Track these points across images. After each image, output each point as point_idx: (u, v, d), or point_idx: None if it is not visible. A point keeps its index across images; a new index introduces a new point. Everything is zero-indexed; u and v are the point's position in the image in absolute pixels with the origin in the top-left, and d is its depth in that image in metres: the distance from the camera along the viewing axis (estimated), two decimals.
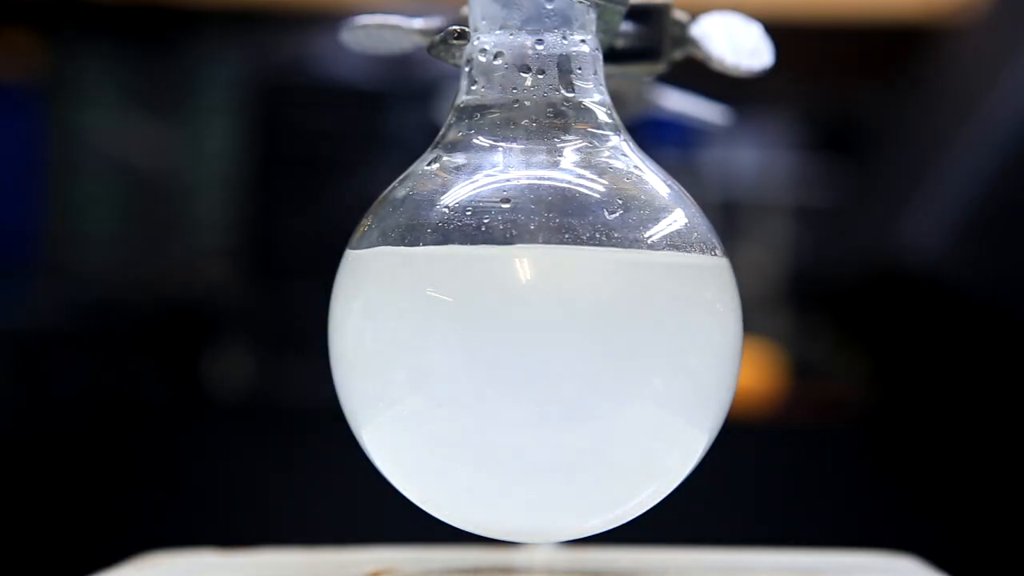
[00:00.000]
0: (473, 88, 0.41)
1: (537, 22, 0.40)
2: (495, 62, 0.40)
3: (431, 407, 0.38)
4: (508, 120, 0.40)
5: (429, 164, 0.41)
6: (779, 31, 0.48)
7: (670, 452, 0.40)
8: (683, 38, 0.46)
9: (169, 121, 1.25)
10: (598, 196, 0.39)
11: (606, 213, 0.39)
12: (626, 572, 0.47)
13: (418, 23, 0.47)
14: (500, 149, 0.40)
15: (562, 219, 0.38)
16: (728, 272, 0.41)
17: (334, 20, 0.67)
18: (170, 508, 1.10)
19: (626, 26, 0.45)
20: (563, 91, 0.40)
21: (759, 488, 1.12)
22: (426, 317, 0.38)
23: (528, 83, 0.40)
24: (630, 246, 0.39)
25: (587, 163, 0.40)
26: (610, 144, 0.41)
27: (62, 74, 1.26)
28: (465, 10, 0.42)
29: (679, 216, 0.40)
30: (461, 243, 0.38)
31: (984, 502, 1.11)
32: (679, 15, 0.46)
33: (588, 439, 0.38)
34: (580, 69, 0.41)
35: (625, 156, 0.41)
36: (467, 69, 0.41)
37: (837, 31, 1.32)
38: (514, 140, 0.40)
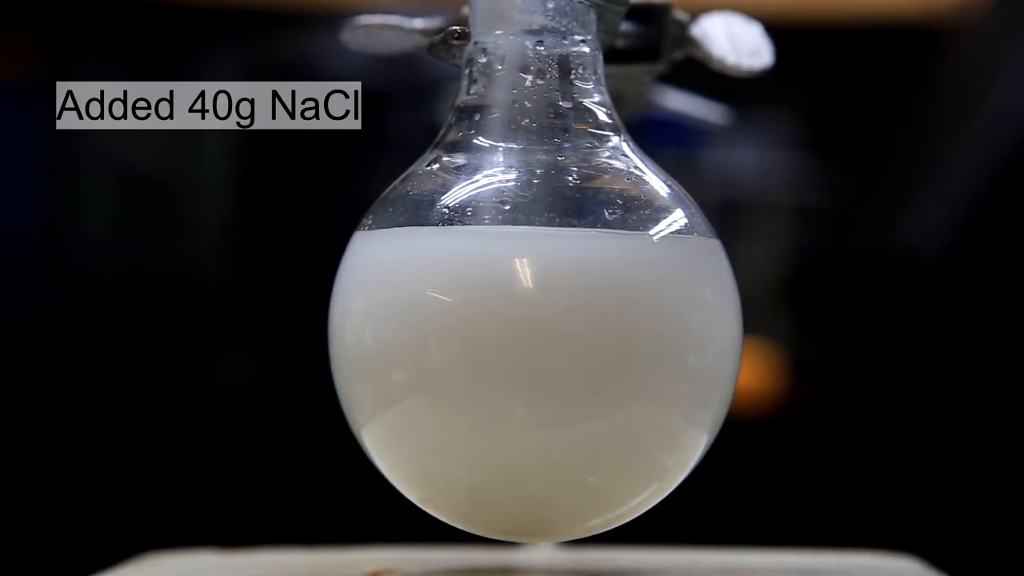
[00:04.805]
0: (473, 88, 0.41)
1: (537, 22, 0.40)
2: (495, 63, 0.40)
3: (431, 406, 0.38)
4: (508, 120, 0.40)
5: (429, 164, 0.41)
6: (779, 31, 0.48)
7: (670, 452, 0.40)
8: (683, 38, 0.46)
9: None
10: (598, 196, 0.39)
11: (606, 213, 0.39)
12: (626, 572, 0.47)
13: (418, 23, 0.47)
14: (500, 149, 0.40)
15: (562, 219, 0.38)
16: (728, 271, 0.41)
17: (334, 20, 0.67)
18: (170, 508, 1.10)
19: (626, 26, 0.45)
20: (563, 91, 0.40)
21: (759, 488, 1.12)
22: (426, 310, 0.38)
23: (528, 83, 0.40)
24: None
25: (587, 163, 0.40)
26: (610, 144, 0.41)
27: (62, 74, 1.26)
28: (465, 10, 0.42)
29: (679, 216, 0.40)
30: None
31: (984, 502, 1.11)
32: (679, 15, 0.47)
33: (588, 439, 0.38)
34: (580, 69, 0.41)
35: (625, 156, 0.41)
36: (467, 69, 0.41)
37: (837, 31, 1.32)
38: (514, 140, 0.40)
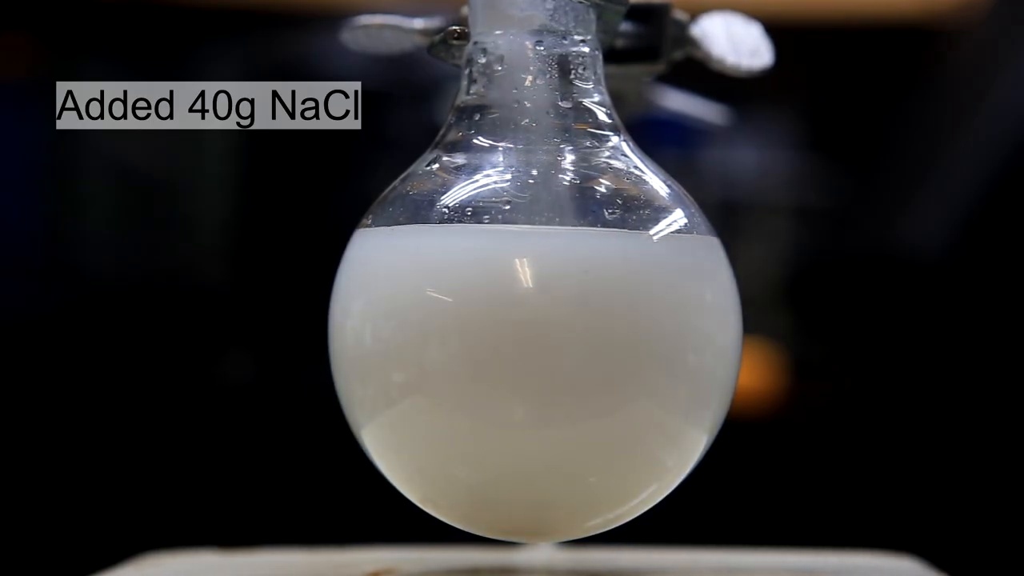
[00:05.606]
0: (473, 88, 0.41)
1: (537, 22, 0.40)
2: (495, 63, 0.40)
3: (431, 406, 0.38)
4: (508, 120, 0.40)
5: (429, 164, 0.41)
6: (779, 31, 0.48)
7: (670, 452, 0.40)
8: (683, 38, 0.46)
9: None
10: (598, 196, 0.39)
11: (606, 213, 0.39)
12: (626, 572, 0.47)
13: (418, 23, 0.47)
14: (500, 149, 0.40)
15: (562, 218, 0.38)
16: (728, 271, 0.41)
17: (334, 20, 0.67)
18: (170, 508, 1.10)
19: (626, 26, 0.45)
20: (563, 91, 0.40)
21: (759, 488, 1.12)
22: (426, 310, 0.38)
23: (528, 83, 0.40)
24: None
25: (587, 163, 0.40)
26: (610, 144, 0.41)
27: (62, 74, 1.26)
28: (465, 10, 0.42)
29: (678, 215, 0.40)
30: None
31: (984, 502, 1.11)
32: (679, 15, 0.47)
33: (588, 439, 0.38)
34: (580, 69, 0.41)
35: (625, 156, 0.41)
36: (467, 69, 0.41)
37: (837, 31, 1.32)
38: (514, 140, 0.40)
